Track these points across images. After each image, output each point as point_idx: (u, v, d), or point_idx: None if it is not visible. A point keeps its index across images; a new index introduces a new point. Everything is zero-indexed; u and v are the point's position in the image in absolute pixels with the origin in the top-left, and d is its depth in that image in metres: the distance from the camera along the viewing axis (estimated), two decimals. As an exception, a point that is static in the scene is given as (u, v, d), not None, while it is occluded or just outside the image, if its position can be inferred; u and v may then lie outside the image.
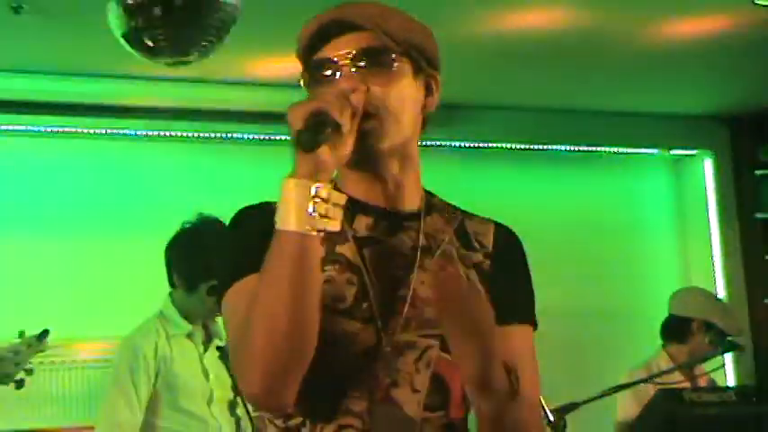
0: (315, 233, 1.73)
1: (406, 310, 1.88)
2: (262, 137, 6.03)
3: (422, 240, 1.94)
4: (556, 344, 5.89)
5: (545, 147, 6.87)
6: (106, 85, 5.43)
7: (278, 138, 5.80)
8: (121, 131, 5.74)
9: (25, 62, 5.18)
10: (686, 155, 7.30)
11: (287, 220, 1.73)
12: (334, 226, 1.75)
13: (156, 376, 3.87)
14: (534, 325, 2.00)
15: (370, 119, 1.83)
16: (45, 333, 4.11)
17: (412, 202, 1.96)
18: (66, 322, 4.79)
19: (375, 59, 1.87)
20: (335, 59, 1.87)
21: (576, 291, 6.62)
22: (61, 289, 5.32)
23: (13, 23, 4.43)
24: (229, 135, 6.04)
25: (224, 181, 5.76)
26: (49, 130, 5.58)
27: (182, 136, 5.94)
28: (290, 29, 1.95)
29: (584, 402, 3.78)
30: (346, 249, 1.91)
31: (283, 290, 1.73)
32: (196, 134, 5.97)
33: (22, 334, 4.10)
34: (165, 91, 5.50)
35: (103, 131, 5.69)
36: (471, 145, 6.65)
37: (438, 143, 6.44)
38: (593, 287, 6.71)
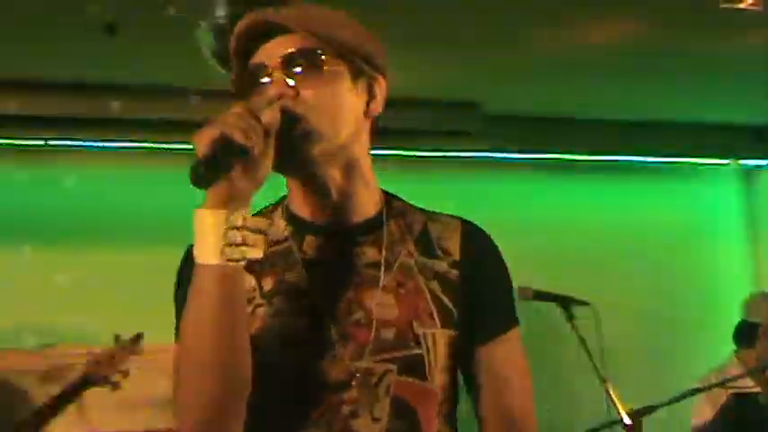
0: (233, 264, 1.63)
1: (361, 334, 1.76)
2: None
3: (377, 256, 1.82)
4: (631, 348, 5.98)
5: (618, 158, 6.89)
6: (195, 102, 5.51)
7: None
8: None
9: (119, 80, 5.32)
10: (757, 165, 7.28)
11: (203, 254, 1.63)
12: (256, 253, 1.65)
13: None
14: (516, 323, 1.88)
15: (300, 124, 1.73)
16: (139, 336, 4.28)
17: (365, 212, 1.84)
18: (160, 327, 4.91)
19: (305, 62, 1.76)
20: (266, 65, 1.77)
21: (650, 298, 6.61)
22: (156, 295, 5.40)
23: (107, 42, 4.52)
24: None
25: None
26: (142, 145, 5.71)
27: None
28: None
29: (660, 406, 3.85)
30: (295, 276, 1.80)
31: (206, 328, 1.63)
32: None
33: (118, 338, 4.28)
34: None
35: (193, 147, 5.79)
36: (549, 157, 6.70)
37: (515, 156, 6.55)
38: (666, 295, 6.69)
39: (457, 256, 1.84)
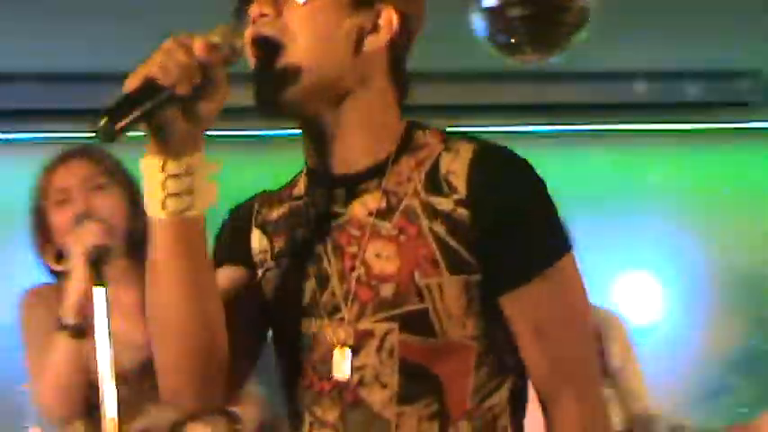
0: (181, 216, 1.48)
1: (363, 292, 1.58)
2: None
3: (380, 201, 1.61)
4: None
5: None
6: (463, 85, 5.60)
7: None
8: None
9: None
10: None
11: (148, 207, 1.50)
12: (204, 201, 1.50)
13: None
14: (551, 262, 1.58)
15: (279, 53, 1.56)
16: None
17: (371, 155, 1.62)
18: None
19: None
20: None
21: None
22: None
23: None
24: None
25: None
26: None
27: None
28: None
29: None
30: (305, 234, 1.66)
31: (162, 287, 1.53)
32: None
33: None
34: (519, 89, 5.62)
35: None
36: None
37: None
38: None
39: (463, 193, 1.57)
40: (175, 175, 1.47)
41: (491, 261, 1.55)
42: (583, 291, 1.64)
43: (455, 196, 1.57)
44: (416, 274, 1.56)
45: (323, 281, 1.62)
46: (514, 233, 1.56)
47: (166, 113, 1.44)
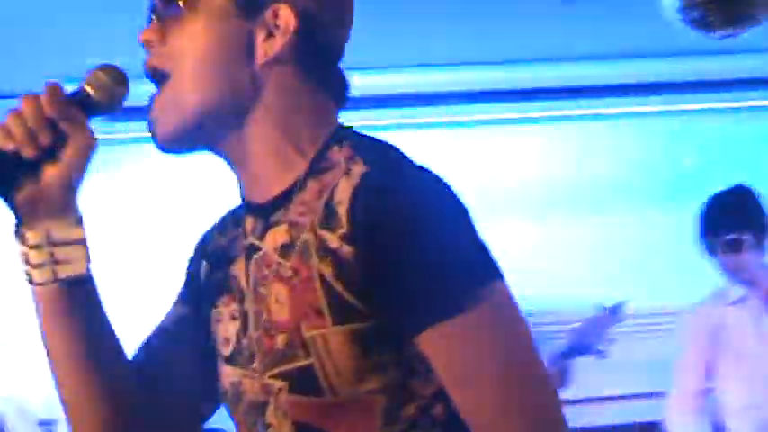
0: (47, 287, 1.39)
1: (266, 342, 1.40)
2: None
3: (283, 236, 1.40)
4: None
5: None
6: (646, 65, 5.55)
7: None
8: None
9: (574, 49, 5.37)
10: None
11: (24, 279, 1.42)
12: (72, 269, 1.39)
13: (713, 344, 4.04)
14: (462, 304, 1.30)
15: (165, 84, 1.41)
16: (620, 306, 4.35)
17: (285, 179, 1.42)
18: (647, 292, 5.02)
19: None
20: (151, 2, 1.46)
21: None
22: (640, 261, 5.41)
23: (563, 13, 4.67)
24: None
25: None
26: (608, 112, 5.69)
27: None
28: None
29: None
30: (234, 270, 1.49)
31: (51, 360, 1.45)
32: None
33: (602, 307, 4.38)
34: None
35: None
36: None
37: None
38: None
39: (346, 226, 1.33)
40: (35, 246, 1.38)
41: (385, 304, 1.32)
42: (516, 325, 1.36)
43: (340, 231, 1.34)
44: (303, 325, 1.35)
45: (244, 324, 1.46)
46: (404, 270, 1.31)
47: (16, 181, 1.36)
